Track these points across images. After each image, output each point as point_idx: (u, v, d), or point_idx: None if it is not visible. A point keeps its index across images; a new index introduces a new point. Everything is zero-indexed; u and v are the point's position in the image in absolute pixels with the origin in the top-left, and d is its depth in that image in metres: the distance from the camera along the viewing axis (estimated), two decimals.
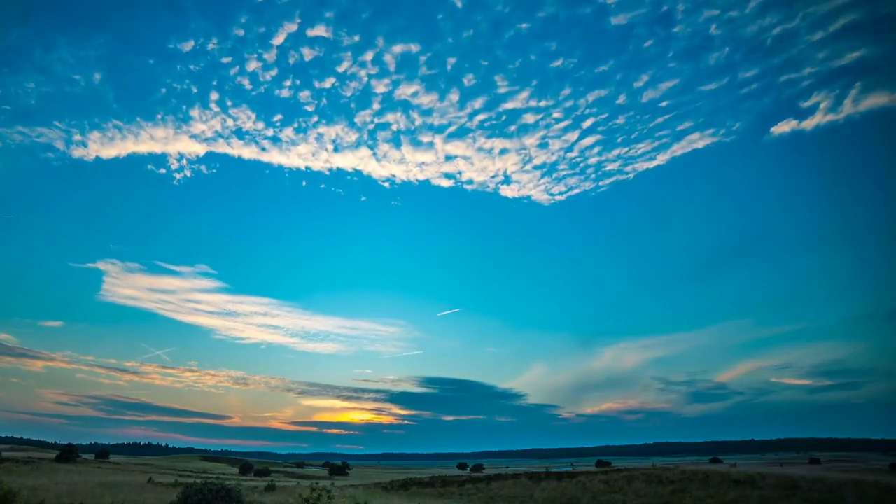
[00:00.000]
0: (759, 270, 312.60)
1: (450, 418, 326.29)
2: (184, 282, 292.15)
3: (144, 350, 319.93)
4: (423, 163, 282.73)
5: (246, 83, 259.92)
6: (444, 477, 44.38)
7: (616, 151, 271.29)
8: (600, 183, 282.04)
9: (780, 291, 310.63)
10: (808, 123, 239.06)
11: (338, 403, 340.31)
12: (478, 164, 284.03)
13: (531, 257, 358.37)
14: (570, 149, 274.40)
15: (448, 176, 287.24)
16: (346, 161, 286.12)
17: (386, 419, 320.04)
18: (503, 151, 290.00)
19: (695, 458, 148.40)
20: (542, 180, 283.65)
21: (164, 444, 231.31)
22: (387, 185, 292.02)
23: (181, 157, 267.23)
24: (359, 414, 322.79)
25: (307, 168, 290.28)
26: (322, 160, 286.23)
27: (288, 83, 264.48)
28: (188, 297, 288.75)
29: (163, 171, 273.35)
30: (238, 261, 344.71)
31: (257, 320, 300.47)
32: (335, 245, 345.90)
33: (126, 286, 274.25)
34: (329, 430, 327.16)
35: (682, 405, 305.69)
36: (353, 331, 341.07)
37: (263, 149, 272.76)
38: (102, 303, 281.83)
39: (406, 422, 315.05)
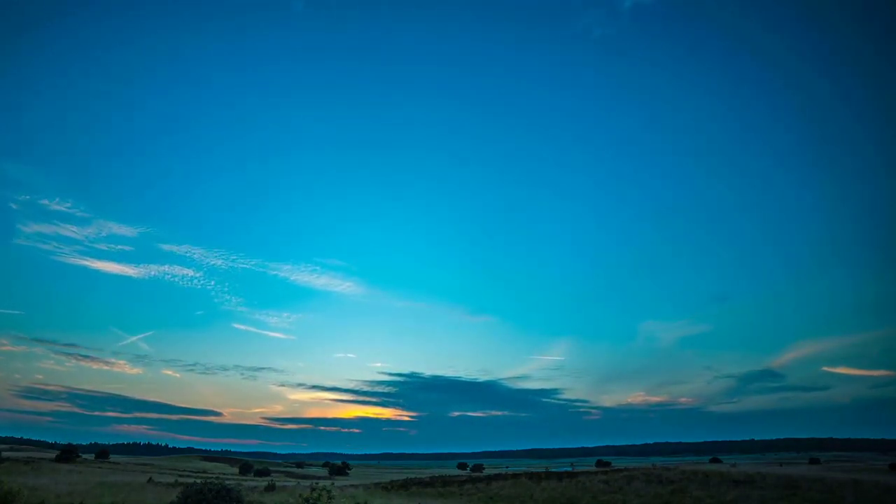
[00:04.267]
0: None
1: (456, 414, 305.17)
2: (136, 230, 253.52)
3: (113, 334, 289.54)
4: None
5: None
6: (445, 477, 44.41)
7: None
8: None
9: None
10: None
11: (328, 396, 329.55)
12: None
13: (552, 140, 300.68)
14: None
15: None
16: None
17: (383, 413, 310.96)
18: None
19: (695, 458, 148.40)
20: None
21: (164, 444, 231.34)
22: None
23: None
24: (353, 410, 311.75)
25: None
26: None
27: None
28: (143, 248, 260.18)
29: None
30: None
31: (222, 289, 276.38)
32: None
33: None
34: (324, 428, 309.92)
35: (719, 399, 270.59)
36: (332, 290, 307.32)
37: None
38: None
39: (405, 417, 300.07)
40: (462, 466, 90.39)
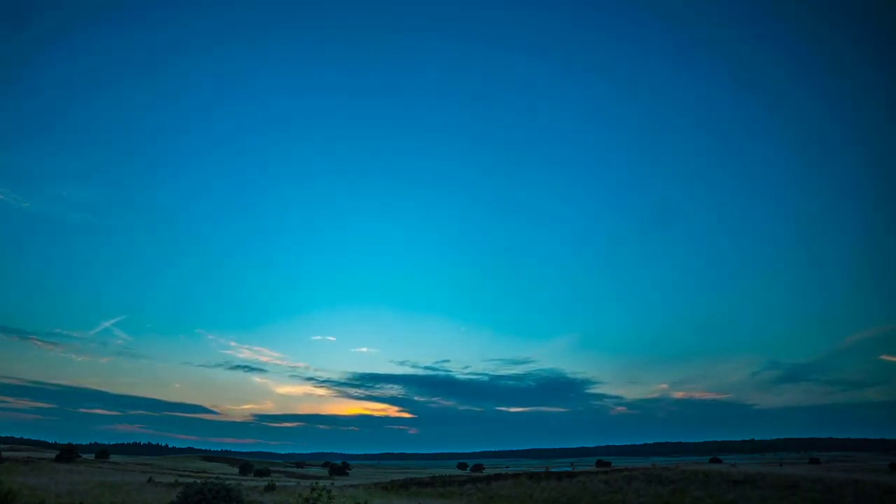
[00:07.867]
0: None
1: (462, 408, 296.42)
2: None
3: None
4: None
5: None
6: (445, 477, 44.37)
7: None
8: None
9: None
10: None
11: (319, 392, 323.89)
12: None
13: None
14: None
15: None
16: None
17: (382, 410, 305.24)
18: None
19: (695, 458, 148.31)
20: None
21: (164, 444, 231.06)
22: None
23: None
24: (352, 407, 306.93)
25: None
26: None
27: None
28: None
29: None
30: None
31: None
32: None
33: None
34: (322, 426, 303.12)
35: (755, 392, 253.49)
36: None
37: None
38: None
39: (404, 413, 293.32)
40: (462, 466, 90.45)
